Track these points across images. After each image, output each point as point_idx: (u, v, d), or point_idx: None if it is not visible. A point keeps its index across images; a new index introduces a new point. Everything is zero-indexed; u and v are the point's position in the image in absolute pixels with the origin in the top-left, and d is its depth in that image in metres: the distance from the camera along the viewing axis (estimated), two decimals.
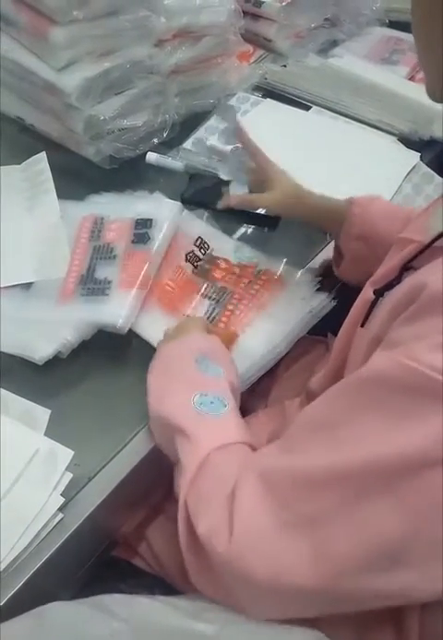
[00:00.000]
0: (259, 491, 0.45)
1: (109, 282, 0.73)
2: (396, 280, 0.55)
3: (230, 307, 0.76)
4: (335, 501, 0.41)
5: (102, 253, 0.77)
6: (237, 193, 0.84)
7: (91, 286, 0.73)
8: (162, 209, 0.82)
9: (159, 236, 0.78)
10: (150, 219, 0.80)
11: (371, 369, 0.43)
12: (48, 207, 0.84)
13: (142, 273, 0.74)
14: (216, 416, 0.56)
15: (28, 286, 0.75)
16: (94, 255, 0.77)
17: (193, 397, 0.57)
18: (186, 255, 0.80)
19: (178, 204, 0.84)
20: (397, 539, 0.40)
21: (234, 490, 0.47)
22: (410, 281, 0.48)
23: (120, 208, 0.83)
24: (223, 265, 0.81)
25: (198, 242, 0.82)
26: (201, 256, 0.81)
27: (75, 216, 0.82)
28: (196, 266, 0.80)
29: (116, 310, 0.70)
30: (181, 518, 0.50)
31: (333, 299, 0.78)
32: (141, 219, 0.80)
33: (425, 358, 0.39)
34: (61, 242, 0.79)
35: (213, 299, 0.77)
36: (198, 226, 0.85)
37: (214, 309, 0.76)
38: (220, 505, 0.47)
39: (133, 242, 0.77)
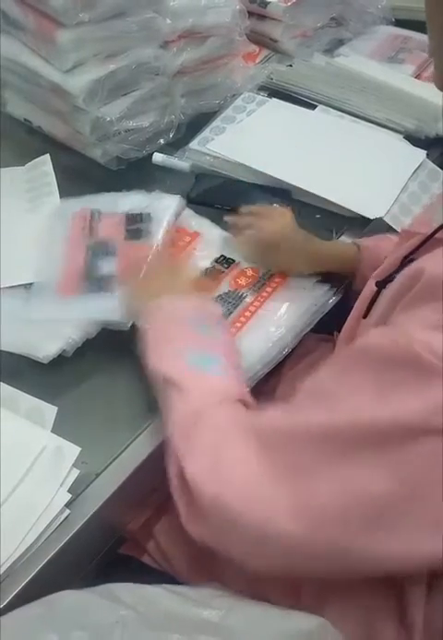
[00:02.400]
0: (251, 443, 0.47)
1: (109, 278, 0.73)
2: (397, 272, 0.55)
3: (246, 313, 0.75)
4: (322, 456, 0.43)
5: (99, 249, 0.77)
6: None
7: (90, 283, 0.73)
8: (159, 204, 0.82)
9: (158, 231, 0.78)
10: (144, 214, 0.80)
11: (368, 342, 0.46)
12: (50, 209, 0.85)
13: (143, 268, 0.74)
14: (210, 373, 0.57)
15: (29, 286, 0.75)
16: (91, 252, 0.77)
17: (188, 353, 0.58)
18: (206, 270, 0.80)
19: (177, 198, 0.84)
20: (375, 501, 0.42)
21: (225, 440, 0.49)
22: (409, 269, 0.49)
23: (113, 205, 0.83)
24: (235, 268, 0.81)
25: (221, 259, 0.82)
26: (224, 270, 0.80)
27: (67, 213, 0.83)
28: (215, 278, 0.80)
29: (118, 306, 0.70)
30: (172, 464, 0.52)
31: (336, 293, 0.78)
32: (132, 215, 0.80)
33: (418, 335, 0.41)
34: (57, 242, 0.79)
35: (227, 301, 0.77)
36: (211, 231, 0.85)
37: (229, 312, 0.75)
38: (210, 453, 0.49)
39: (126, 237, 0.78)
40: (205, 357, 0.59)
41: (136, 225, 0.79)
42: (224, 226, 0.85)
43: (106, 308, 0.71)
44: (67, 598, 0.45)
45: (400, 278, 0.52)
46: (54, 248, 0.78)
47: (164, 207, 0.82)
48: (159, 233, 0.78)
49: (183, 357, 0.58)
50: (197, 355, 0.59)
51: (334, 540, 0.43)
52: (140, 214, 0.81)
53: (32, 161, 0.93)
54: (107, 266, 0.75)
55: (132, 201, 0.83)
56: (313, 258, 0.79)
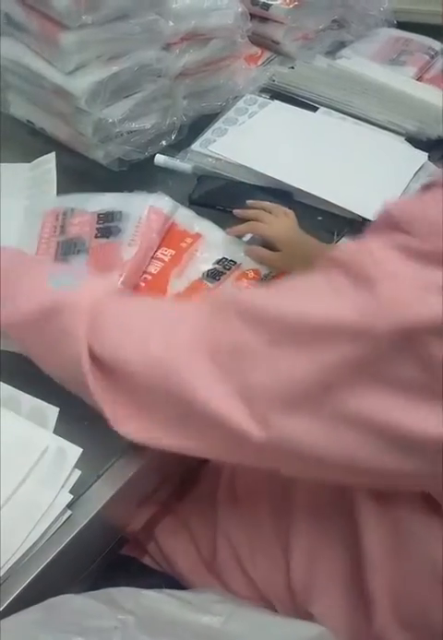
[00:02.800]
0: (202, 313, 0.49)
1: None
2: None
3: None
4: (264, 338, 0.44)
5: (68, 248, 0.77)
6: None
7: None
8: (134, 202, 0.82)
9: (131, 229, 0.78)
10: (116, 212, 0.80)
11: (334, 251, 0.47)
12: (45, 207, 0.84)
13: (115, 264, 0.74)
14: (80, 287, 0.54)
15: None
16: (60, 251, 0.77)
17: (46, 280, 0.55)
18: (208, 272, 0.79)
19: (166, 198, 0.84)
20: (298, 386, 0.43)
21: (150, 318, 0.50)
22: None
23: (89, 204, 0.83)
24: (237, 270, 0.81)
25: (223, 261, 0.81)
26: (225, 271, 0.80)
27: (40, 211, 0.83)
28: (217, 279, 0.79)
29: None
30: (87, 369, 0.49)
31: None
32: (103, 213, 0.80)
33: (370, 245, 0.43)
34: (28, 239, 0.79)
35: None
36: (213, 233, 0.85)
37: None
38: (142, 332, 0.49)
39: (97, 236, 0.78)
40: (68, 278, 0.56)
41: (106, 223, 0.80)
42: (226, 227, 0.85)
43: None
44: (66, 603, 0.44)
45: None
46: (26, 246, 0.78)
47: (138, 205, 0.81)
48: (131, 230, 0.78)
49: (44, 283, 0.55)
50: (58, 278, 0.55)
51: (269, 417, 0.44)
52: (112, 212, 0.81)
53: (37, 159, 0.93)
54: (76, 264, 0.75)
55: (108, 200, 0.83)
56: (312, 261, 0.79)
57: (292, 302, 0.45)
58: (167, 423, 0.50)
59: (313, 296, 0.45)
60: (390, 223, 0.45)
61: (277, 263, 0.80)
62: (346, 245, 0.46)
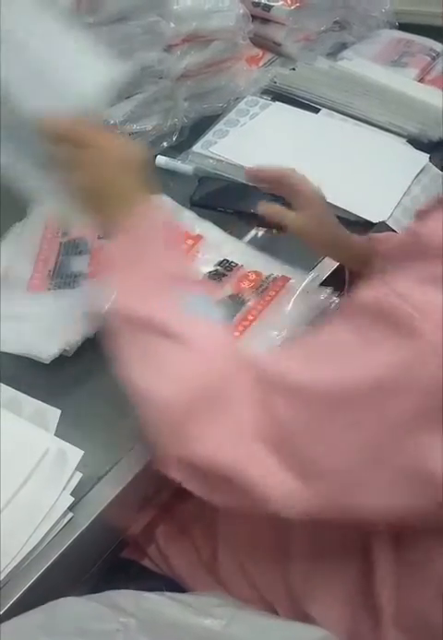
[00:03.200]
0: (255, 396, 0.46)
1: (78, 276, 0.74)
2: None
3: (249, 317, 0.75)
4: (311, 417, 0.43)
5: (71, 248, 0.78)
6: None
7: (60, 280, 0.74)
8: None
9: None
10: None
11: (357, 297, 0.45)
12: None
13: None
14: (213, 318, 0.51)
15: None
16: (63, 252, 0.77)
17: (181, 296, 0.50)
18: (209, 273, 0.79)
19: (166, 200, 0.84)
20: (366, 452, 0.42)
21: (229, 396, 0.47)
22: (404, 234, 0.49)
23: None
24: (238, 271, 0.81)
25: (224, 262, 0.81)
26: (226, 273, 0.80)
27: (44, 212, 0.82)
28: (218, 281, 0.79)
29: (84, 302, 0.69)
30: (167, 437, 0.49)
31: (339, 296, 0.77)
32: None
33: (398, 286, 0.41)
34: (32, 239, 0.80)
35: (229, 305, 0.76)
36: (214, 234, 0.84)
37: (231, 315, 0.75)
38: (232, 424, 0.47)
39: (99, 237, 0.78)
40: (203, 301, 0.52)
41: None
42: (227, 229, 0.85)
43: (73, 304, 0.70)
44: (68, 606, 0.44)
45: (395, 241, 0.52)
46: (29, 245, 0.79)
47: None
48: None
49: (178, 299, 0.50)
50: (193, 298, 0.51)
51: (321, 491, 0.44)
52: None
53: None
54: (78, 264, 0.76)
55: None
56: (329, 232, 0.75)
57: (327, 370, 0.43)
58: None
59: (348, 356, 0.43)
60: (420, 247, 0.43)
61: (295, 222, 0.73)
62: (368, 290, 0.44)
